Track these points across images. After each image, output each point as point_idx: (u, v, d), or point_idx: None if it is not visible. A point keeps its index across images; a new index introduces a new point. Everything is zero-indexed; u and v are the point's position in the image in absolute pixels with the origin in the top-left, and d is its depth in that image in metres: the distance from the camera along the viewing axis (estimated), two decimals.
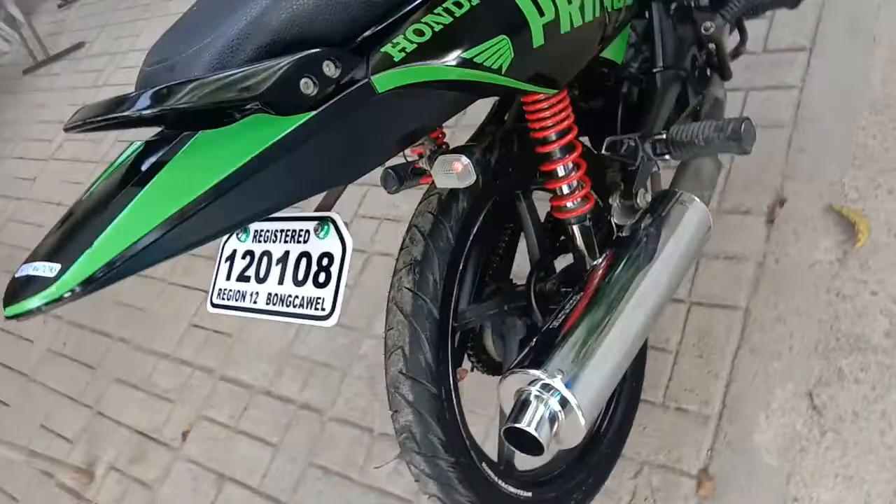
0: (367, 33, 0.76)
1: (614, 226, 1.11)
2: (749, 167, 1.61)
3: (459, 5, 0.82)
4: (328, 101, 0.70)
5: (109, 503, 2.00)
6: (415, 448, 0.99)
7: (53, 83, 4.10)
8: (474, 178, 0.87)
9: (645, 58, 1.22)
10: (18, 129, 3.91)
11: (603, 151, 1.06)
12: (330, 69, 0.70)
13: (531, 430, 0.80)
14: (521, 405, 0.82)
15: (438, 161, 0.87)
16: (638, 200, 1.08)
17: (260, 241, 0.83)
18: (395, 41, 0.76)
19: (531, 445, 0.82)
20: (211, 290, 0.87)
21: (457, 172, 0.86)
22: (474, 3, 0.83)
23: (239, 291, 0.84)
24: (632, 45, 1.22)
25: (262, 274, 0.81)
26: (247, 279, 0.83)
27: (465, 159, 0.86)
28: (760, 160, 1.60)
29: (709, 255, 1.55)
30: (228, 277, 0.85)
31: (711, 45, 1.25)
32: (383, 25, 0.77)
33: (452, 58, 0.78)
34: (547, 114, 1.02)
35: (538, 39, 0.87)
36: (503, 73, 0.83)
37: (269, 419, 1.88)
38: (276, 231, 0.82)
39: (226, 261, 0.87)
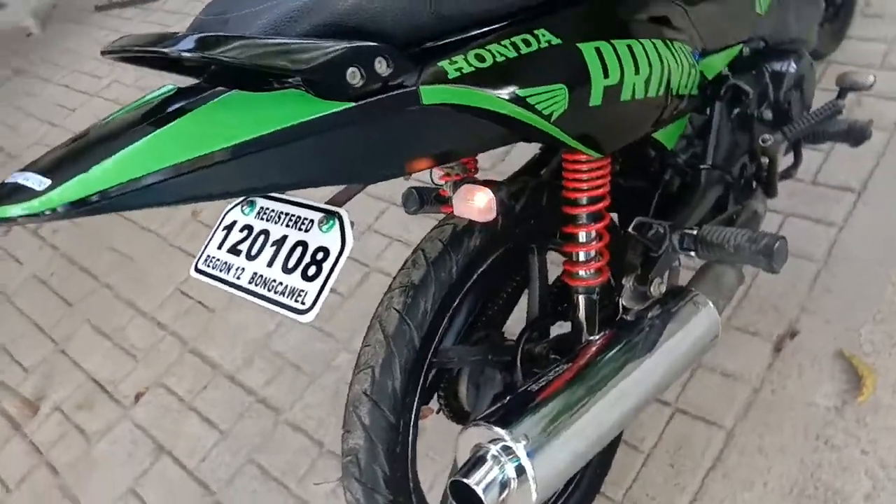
0: (429, 44, 0.75)
1: (621, 307, 1.08)
2: (770, 290, 1.57)
3: (528, 43, 0.80)
4: (371, 96, 0.68)
5: (45, 442, 1.94)
6: (356, 474, 0.94)
7: (121, 26, 4.15)
8: (493, 215, 0.84)
9: (696, 152, 1.19)
10: (74, 59, 3.95)
11: (630, 230, 1.03)
12: (381, 66, 0.68)
13: (478, 489, 0.75)
14: (476, 461, 0.78)
15: (463, 188, 0.84)
16: (651, 289, 1.04)
17: (262, 219, 0.80)
18: (454, 59, 0.74)
19: None
20: (199, 255, 0.84)
21: (478, 205, 0.83)
22: (542, 46, 0.81)
23: (226, 263, 0.81)
24: (686, 135, 1.20)
25: (254, 251, 0.78)
26: (237, 253, 0.79)
27: (489, 193, 0.83)
28: (783, 287, 1.56)
29: (707, 365, 1.50)
30: (220, 246, 0.82)
31: (764, 159, 1.23)
32: (448, 41, 0.76)
33: (506, 91, 0.76)
34: (584, 175, 1.00)
35: (595, 99, 0.85)
36: (552, 120, 0.81)
37: (224, 404, 1.83)
38: (281, 213, 0.79)
39: (223, 229, 0.84)
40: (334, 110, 0.67)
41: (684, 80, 1.00)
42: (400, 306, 0.94)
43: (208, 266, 0.82)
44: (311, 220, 0.76)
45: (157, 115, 0.66)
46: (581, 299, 1.06)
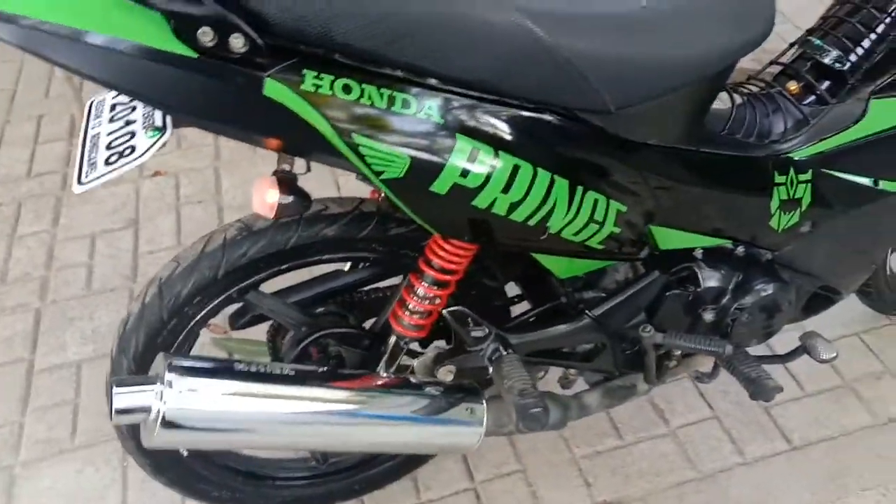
0: (316, 49, 0.80)
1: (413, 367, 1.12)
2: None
3: (406, 105, 0.84)
4: (218, 59, 0.76)
5: None
6: (119, 333, 1.07)
7: None
8: (272, 215, 0.90)
9: (590, 297, 1.17)
10: None
11: (445, 312, 1.06)
12: (237, 42, 0.75)
13: (117, 399, 0.86)
14: (141, 381, 0.89)
15: (260, 179, 0.91)
16: (438, 372, 1.07)
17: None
18: (322, 75, 0.80)
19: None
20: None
21: (256, 199, 0.90)
22: (419, 115, 0.84)
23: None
24: (591, 276, 1.18)
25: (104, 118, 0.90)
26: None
27: (272, 195, 0.89)
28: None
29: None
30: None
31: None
32: (332, 57, 0.81)
33: (345, 129, 0.81)
34: (446, 245, 1.03)
35: (439, 188, 0.87)
36: (380, 177, 0.85)
37: None
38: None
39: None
40: (176, 50, 0.75)
41: (576, 229, 0.99)
42: (229, 235, 1.04)
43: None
44: (152, 122, 0.85)
45: None
46: (392, 340, 1.11)
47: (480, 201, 0.90)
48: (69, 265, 1.95)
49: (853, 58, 1.18)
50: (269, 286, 1.15)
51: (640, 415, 1.61)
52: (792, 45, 1.27)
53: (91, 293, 1.87)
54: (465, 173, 0.87)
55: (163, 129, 0.84)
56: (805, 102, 1.21)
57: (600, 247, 1.05)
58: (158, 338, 1.06)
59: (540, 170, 0.92)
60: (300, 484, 1.36)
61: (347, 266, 1.25)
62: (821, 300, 1.42)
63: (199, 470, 1.23)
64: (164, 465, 1.19)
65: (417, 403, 1.05)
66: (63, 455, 1.53)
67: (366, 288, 1.24)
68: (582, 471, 1.51)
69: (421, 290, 1.06)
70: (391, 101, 0.83)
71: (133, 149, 0.83)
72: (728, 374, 1.57)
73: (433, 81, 0.85)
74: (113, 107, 0.93)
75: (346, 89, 0.81)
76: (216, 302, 1.07)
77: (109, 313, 1.81)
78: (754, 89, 1.25)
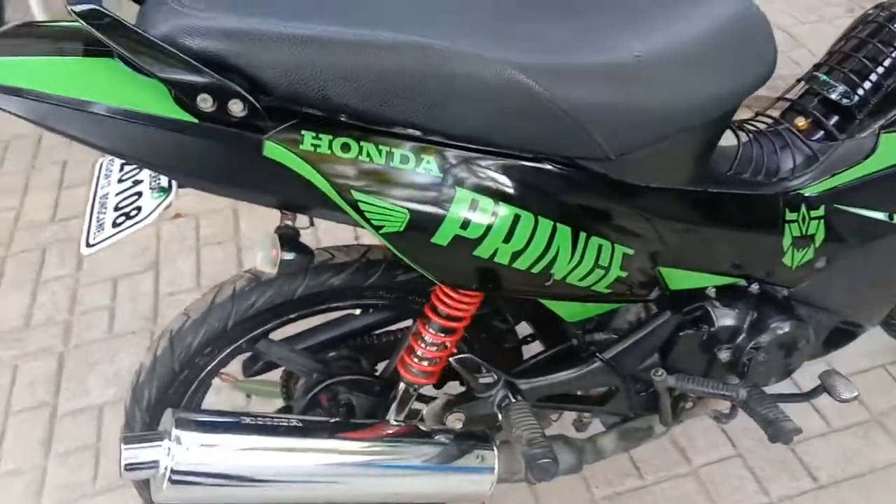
0: (315, 110, 0.82)
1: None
2: None
3: (405, 160, 0.85)
4: (218, 123, 0.78)
5: None
6: (133, 384, 1.09)
7: None
8: (274, 271, 0.91)
9: (601, 339, 1.16)
10: None
11: (454, 360, 1.06)
12: (236, 107, 0.76)
13: (125, 454, 0.87)
14: (149, 437, 0.90)
15: (270, 236, 0.92)
16: (447, 420, 1.07)
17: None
18: (320, 135, 0.81)
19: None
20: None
21: (258, 255, 0.91)
22: (418, 170, 0.85)
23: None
24: (603, 319, 1.17)
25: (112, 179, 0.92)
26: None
27: (273, 250, 0.90)
28: None
29: None
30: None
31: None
32: (332, 117, 0.82)
33: (344, 186, 0.82)
34: (453, 294, 1.03)
35: (441, 239, 0.87)
36: (380, 231, 0.85)
37: None
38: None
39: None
40: (178, 117, 0.77)
41: (582, 275, 0.98)
42: (238, 286, 1.05)
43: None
44: (158, 183, 0.87)
45: (70, 42, 0.80)
46: (401, 387, 1.11)
47: (482, 251, 0.90)
48: (92, 309, 1.98)
49: (860, 93, 1.17)
50: (281, 331, 1.16)
51: (662, 453, 1.58)
52: (799, 80, 1.26)
53: (112, 336, 1.90)
54: (465, 225, 0.88)
55: (168, 190, 0.86)
56: (814, 138, 1.20)
57: (607, 290, 1.04)
58: (170, 389, 1.07)
59: (541, 218, 0.92)
60: None
61: (359, 311, 1.26)
62: (842, 334, 1.40)
63: None
64: None
65: (428, 453, 1.05)
66: (84, 500, 1.55)
67: (378, 332, 1.25)
68: None
69: (428, 336, 1.06)
70: (389, 156, 0.84)
71: (139, 210, 0.85)
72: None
73: (431, 137, 0.85)
74: (122, 167, 0.95)
75: (345, 148, 0.82)
76: (227, 352, 1.08)
77: (130, 356, 1.84)
78: (762, 126, 1.24)
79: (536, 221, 0.92)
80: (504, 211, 0.89)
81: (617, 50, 0.93)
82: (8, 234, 2.22)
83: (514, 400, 1.05)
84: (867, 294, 1.33)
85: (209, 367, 1.08)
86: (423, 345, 1.07)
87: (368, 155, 0.83)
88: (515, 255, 0.92)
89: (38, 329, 1.93)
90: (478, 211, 0.88)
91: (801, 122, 1.22)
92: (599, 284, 1.02)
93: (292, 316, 1.08)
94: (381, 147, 0.83)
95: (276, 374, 1.26)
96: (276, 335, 1.13)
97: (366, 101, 0.81)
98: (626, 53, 0.93)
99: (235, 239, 2.17)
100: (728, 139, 1.16)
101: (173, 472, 0.89)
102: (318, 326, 1.23)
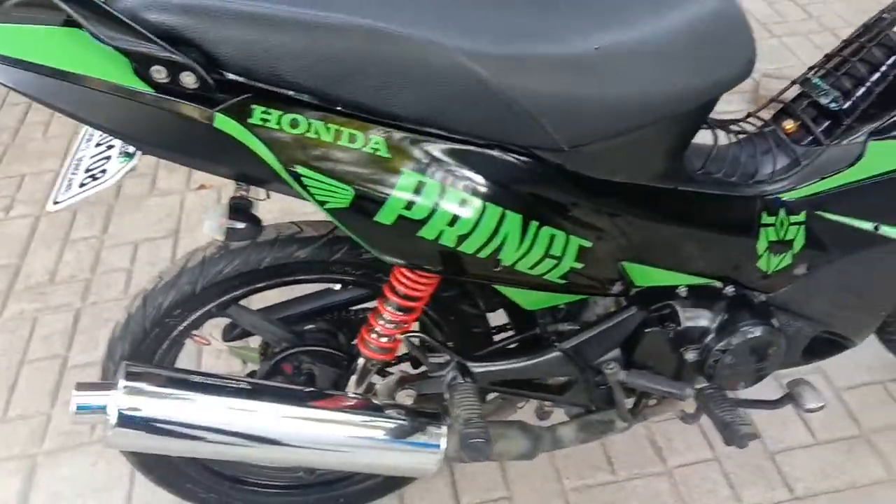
0: (264, 85, 0.85)
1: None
2: None
3: (353, 139, 0.88)
4: (171, 95, 0.82)
5: None
6: (111, 336, 1.16)
7: None
8: (221, 237, 0.95)
9: (561, 330, 1.18)
10: None
11: (405, 337, 1.08)
12: (189, 79, 0.81)
13: (76, 398, 0.94)
14: (102, 386, 0.96)
15: (220, 206, 0.96)
16: (399, 395, 1.10)
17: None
18: (270, 109, 0.85)
19: None
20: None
21: (206, 221, 0.95)
22: (365, 150, 0.88)
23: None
24: (564, 310, 1.18)
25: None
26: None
27: (219, 218, 0.94)
28: None
29: None
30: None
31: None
32: (282, 91, 0.86)
33: (289, 160, 0.86)
34: (409, 274, 1.06)
35: (385, 218, 0.90)
36: (324, 207, 0.89)
37: None
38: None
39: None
40: (135, 86, 0.82)
41: (531, 263, 1.00)
42: (208, 253, 1.11)
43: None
44: (125, 149, 0.93)
45: (44, 11, 0.85)
46: (360, 362, 1.15)
47: (427, 233, 0.93)
48: (112, 270, 2.09)
49: (850, 98, 1.14)
50: (264, 301, 1.22)
51: (638, 451, 1.58)
52: (794, 82, 1.24)
53: (127, 296, 1.99)
54: (409, 206, 0.90)
55: (132, 156, 0.91)
56: (803, 142, 1.17)
57: (562, 281, 1.05)
58: (142, 346, 1.13)
59: (489, 204, 0.94)
60: (286, 493, 1.41)
61: (338, 286, 1.30)
62: (828, 345, 1.37)
63: (185, 471, 1.30)
64: (151, 464, 1.26)
65: (375, 425, 1.08)
66: (82, 448, 1.64)
67: (356, 307, 1.29)
68: None
69: (386, 314, 1.10)
70: (338, 135, 0.87)
71: (105, 172, 0.91)
72: None
73: (381, 118, 0.88)
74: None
75: (294, 124, 0.85)
76: (196, 315, 1.14)
77: None
78: (749, 128, 1.23)
79: (484, 207, 0.94)
80: (450, 195, 0.92)
81: (576, 41, 0.94)
82: (44, 194, 2.35)
83: (463, 381, 1.07)
84: (850, 306, 1.30)
85: (179, 328, 1.14)
86: (381, 322, 1.11)
87: (317, 132, 0.86)
88: (461, 239, 0.95)
89: (61, 285, 2.04)
90: (423, 193, 0.91)
91: (789, 124, 1.20)
92: (552, 274, 1.03)
93: (260, 285, 1.13)
94: (329, 125, 0.87)
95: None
96: (257, 304, 1.18)
97: (316, 79, 0.84)
98: (585, 45, 0.93)
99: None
100: (705, 140, 1.15)
101: (118, 418, 0.95)
102: (297, 298, 1.28)
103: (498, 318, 1.26)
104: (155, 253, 2.13)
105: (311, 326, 1.27)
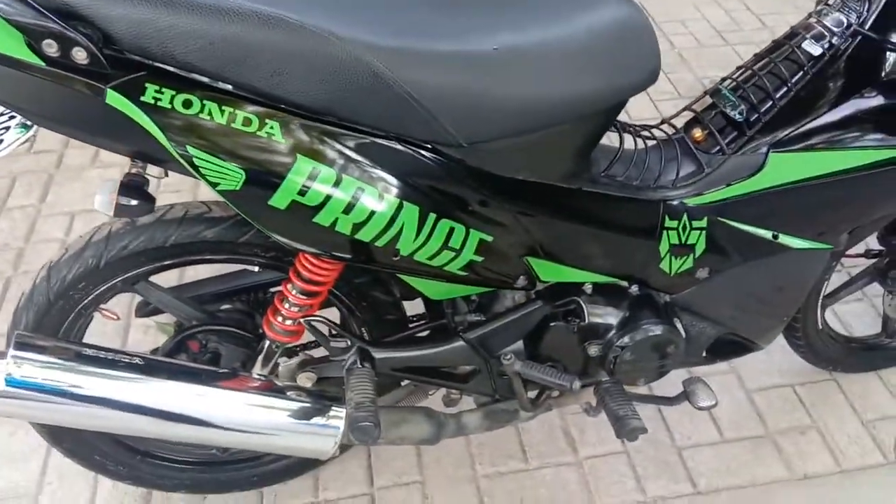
0: (159, 64, 0.86)
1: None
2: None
3: (248, 123, 0.89)
4: (63, 69, 0.83)
5: None
6: (18, 306, 1.16)
7: None
8: (111, 213, 0.96)
9: (469, 321, 1.20)
10: None
11: (305, 321, 1.10)
12: (80, 55, 0.81)
13: None
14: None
15: (111, 182, 0.97)
16: (300, 378, 1.12)
17: None
18: (163, 89, 0.86)
19: None
20: None
21: (97, 196, 0.96)
22: (259, 133, 0.89)
23: None
24: (472, 300, 1.21)
25: None
26: None
27: (110, 193, 0.95)
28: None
29: None
30: None
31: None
32: (178, 72, 0.86)
33: (180, 141, 0.87)
34: (314, 259, 1.08)
35: (278, 203, 0.92)
36: (216, 188, 0.90)
37: None
38: None
39: None
40: (27, 59, 0.82)
41: (429, 254, 1.02)
42: (114, 228, 1.11)
43: None
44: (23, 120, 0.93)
45: None
46: (267, 344, 1.17)
47: (322, 219, 0.94)
48: (46, 239, 2.07)
49: (756, 111, 1.18)
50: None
51: (551, 441, 1.62)
52: (706, 92, 1.28)
53: None
54: (303, 192, 0.92)
55: (30, 128, 0.91)
56: (710, 151, 1.21)
57: (463, 273, 1.08)
58: (46, 317, 1.14)
59: (386, 195, 0.96)
60: (199, 469, 1.43)
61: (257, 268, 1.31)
62: (733, 346, 1.41)
63: (94, 443, 1.31)
64: (60, 435, 1.27)
65: (273, 406, 1.10)
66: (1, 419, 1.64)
67: (274, 290, 1.30)
68: (480, 490, 1.53)
69: (291, 297, 1.11)
70: (232, 117, 0.88)
71: (1, 142, 0.91)
72: (642, 409, 1.58)
73: (279, 104, 0.89)
74: None
75: (187, 104, 0.86)
76: (102, 289, 1.14)
77: None
78: (659, 134, 1.26)
79: (380, 197, 0.96)
80: (346, 183, 0.93)
81: (475, 40, 0.95)
82: None
83: (361, 366, 1.09)
84: (752, 310, 1.35)
85: (85, 302, 1.14)
86: (286, 305, 1.12)
87: (210, 113, 0.87)
88: (357, 227, 0.96)
89: None
90: (318, 180, 0.92)
91: (697, 133, 1.24)
92: (452, 266, 1.06)
93: (166, 263, 1.13)
94: (224, 107, 0.88)
95: None
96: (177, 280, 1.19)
97: (209, 61, 0.85)
98: (485, 45, 0.95)
99: (195, 191, 2.23)
100: (612, 143, 1.18)
101: (4, 384, 0.96)
102: (213, 278, 1.30)
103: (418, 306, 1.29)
104: (91, 224, 2.10)
105: (227, 306, 1.29)
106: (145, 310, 1.29)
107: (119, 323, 1.80)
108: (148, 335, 1.81)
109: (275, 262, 1.17)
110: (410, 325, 1.26)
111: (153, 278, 1.18)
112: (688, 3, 3.08)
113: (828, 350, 1.66)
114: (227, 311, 1.27)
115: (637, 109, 2.49)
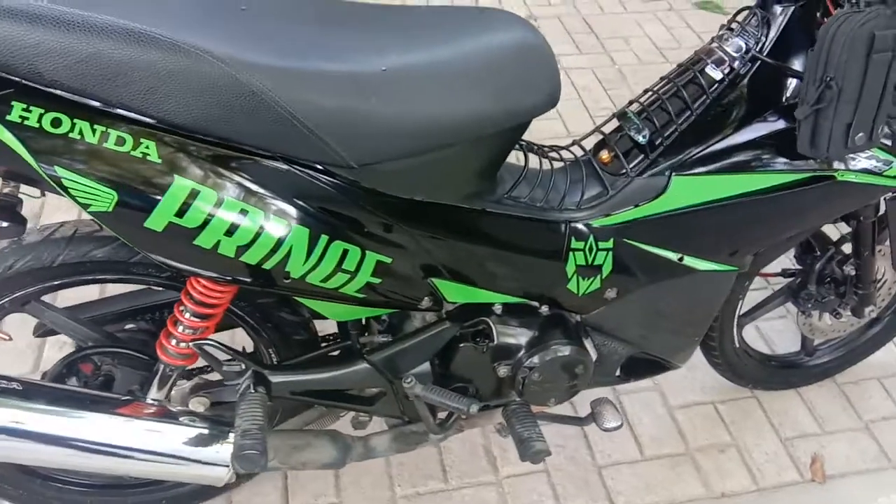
0: (27, 82, 0.83)
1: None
2: None
3: (121, 142, 0.87)
4: None
5: None
6: None
7: None
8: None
9: (373, 343, 1.19)
10: None
11: (194, 344, 1.08)
12: None
13: None
14: None
15: None
16: (192, 402, 1.09)
17: None
18: (31, 107, 0.83)
19: None
20: None
21: None
22: (134, 153, 0.87)
23: None
24: (379, 321, 1.20)
25: None
26: None
27: None
28: None
29: None
30: None
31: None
32: (46, 89, 0.83)
33: (49, 161, 0.84)
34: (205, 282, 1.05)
35: (154, 225, 0.89)
36: (88, 209, 0.87)
37: None
38: None
39: None
40: None
41: (322, 277, 1.00)
42: (1, 247, 1.07)
43: None
44: None
45: None
46: (161, 367, 1.13)
47: (203, 241, 0.92)
48: None
49: (657, 133, 1.19)
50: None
51: (472, 460, 1.61)
52: (613, 115, 1.28)
53: None
54: (181, 213, 0.90)
55: None
56: (616, 173, 1.21)
57: (360, 295, 1.06)
58: None
59: (272, 216, 0.94)
60: (103, 492, 1.38)
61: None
62: (647, 365, 1.42)
63: None
64: None
65: (165, 433, 1.07)
66: None
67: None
68: None
69: (183, 320, 1.09)
70: (104, 137, 0.85)
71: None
72: (565, 428, 1.58)
73: (154, 122, 0.87)
74: None
75: (56, 123, 0.84)
76: None
77: None
78: (567, 155, 1.26)
79: (266, 219, 0.94)
80: (227, 205, 0.91)
81: (363, 61, 0.94)
82: None
83: (254, 391, 1.07)
84: (662, 330, 1.35)
85: None
86: (179, 328, 1.09)
87: (80, 133, 0.85)
88: (241, 250, 0.94)
89: None
90: (197, 201, 0.90)
91: (605, 155, 1.24)
92: (347, 288, 1.04)
93: (56, 283, 1.10)
94: (96, 126, 0.85)
95: None
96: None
97: (79, 79, 0.83)
98: (373, 65, 0.94)
99: None
100: (518, 163, 1.18)
101: None
102: (112, 297, 1.26)
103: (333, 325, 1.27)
104: None
105: (130, 326, 1.25)
106: (41, 331, 1.25)
107: (36, 341, 1.74)
108: (64, 352, 1.76)
109: (171, 282, 1.14)
110: (322, 346, 1.24)
111: (48, 297, 1.15)
112: (631, 21, 3.12)
113: (746, 368, 1.67)
114: (127, 331, 1.23)
115: (576, 124, 2.51)
